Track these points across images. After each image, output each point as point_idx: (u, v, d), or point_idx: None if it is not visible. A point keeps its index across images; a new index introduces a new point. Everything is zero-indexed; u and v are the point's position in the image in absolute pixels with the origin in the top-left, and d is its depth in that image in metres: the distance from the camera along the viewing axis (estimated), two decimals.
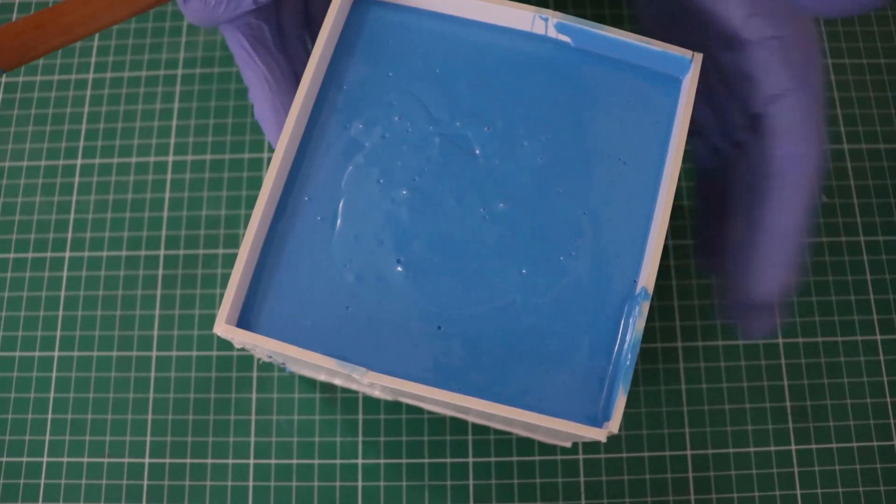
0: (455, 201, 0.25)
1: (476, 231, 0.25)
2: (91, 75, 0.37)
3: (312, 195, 0.25)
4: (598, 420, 0.24)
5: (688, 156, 0.35)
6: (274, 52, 0.28)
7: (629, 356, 0.23)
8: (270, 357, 0.27)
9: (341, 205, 0.25)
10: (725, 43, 0.26)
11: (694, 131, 0.30)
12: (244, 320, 0.24)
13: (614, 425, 0.23)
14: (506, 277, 0.25)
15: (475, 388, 0.24)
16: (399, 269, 0.24)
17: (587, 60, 0.27)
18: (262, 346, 0.23)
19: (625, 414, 0.32)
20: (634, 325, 0.24)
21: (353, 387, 0.31)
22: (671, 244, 0.34)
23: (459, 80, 0.26)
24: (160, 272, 0.34)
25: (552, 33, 0.27)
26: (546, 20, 0.26)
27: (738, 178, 0.28)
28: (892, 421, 0.32)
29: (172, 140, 0.36)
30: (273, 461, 0.32)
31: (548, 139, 0.26)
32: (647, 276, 0.24)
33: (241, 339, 0.23)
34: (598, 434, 0.22)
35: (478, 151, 0.26)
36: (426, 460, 0.32)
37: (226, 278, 0.34)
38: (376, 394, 0.31)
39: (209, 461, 0.32)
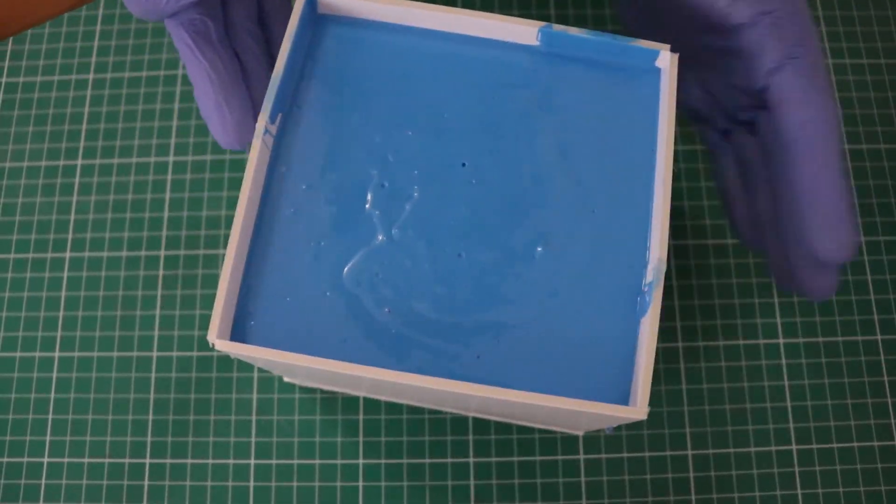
0: (448, 208, 0.25)
1: (471, 231, 0.25)
2: (91, 76, 0.37)
3: (296, 206, 0.25)
4: (626, 401, 0.23)
5: (690, 155, 0.35)
6: (218, 49, 0.27)
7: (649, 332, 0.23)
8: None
9: (324, 208, 0.25)
10: (714, 31, 0.27)
11: (700, 119, 0.31)
12: (239, 331, 0.24)
13: (643, 403, 0.22)
14: (511, 275, 0.24)
15: (500, 383, 0.23)
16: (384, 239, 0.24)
17: (563, 63, 0.26)
18: (259, 357, 0.23)
19: None
20: (651, 300, 0.24)
21: (353, 393, 0.31)
22: (671, 244, 0.34)
23: (436, 91, 0.26)
24: (160, 273, 0.34)
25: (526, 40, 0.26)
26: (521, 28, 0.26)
27: (754, 154, 0.28)
28: (892, 421, 0.32)
29: (173, 140, 0.36)
30: (274, 461, 0.32)
31: (536, 146, 0.26)
32: (659, 249, 0.24)
33: (238, 352, 0.23)
34: (637, 413, 0.22)
35: (465, 164, 0.25)
36: (427, 460, 0.32)
37: None
38: (383, 398, 0.32)
39: (210, 461, 0.32)
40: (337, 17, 0.27)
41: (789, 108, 0.26)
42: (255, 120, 0.25)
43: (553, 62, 0.26)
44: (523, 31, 0.26)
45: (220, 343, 0.23)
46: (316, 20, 0.27)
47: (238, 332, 0.24)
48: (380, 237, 0.25)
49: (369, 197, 0.25)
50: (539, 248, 0.25)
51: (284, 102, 0.25)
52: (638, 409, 0.22)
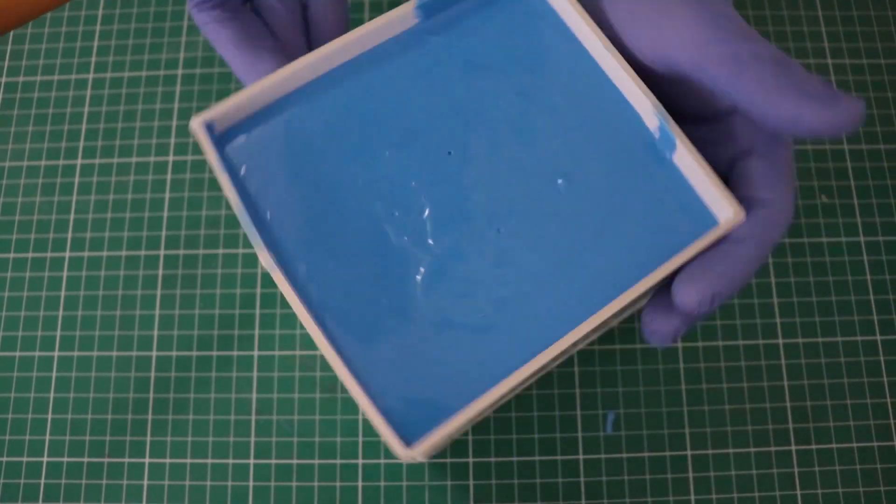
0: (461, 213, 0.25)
1: (492, 205, 0.25)
2: (91, 75, 0.37)
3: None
4: (714, 224, 0.24)
5: None
6: (239, 15, 0.28)
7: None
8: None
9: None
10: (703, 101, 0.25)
11: None
12: (412, 427, 0.23)
13: (733, 204, 0.23)
14: (542, 217, 0.24)
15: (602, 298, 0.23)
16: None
17: (459, 24, 0.26)
18: (453, 432, 0.22)
19: (624, 414, 0.32)
20: (672, 132, 0.24)
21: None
22: None
23: (372, 118, 0.25)
24: (160, 272, 0.34)
25: (413, 22, 0.26)
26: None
27: None
28: (891, 421, 0.32)
29: (172, 140, 0.36)
30: (273, 461, 0.32)
31: (499, 109, 0.25)
32: (646, 98, 0.24)
33: (435, 445, 0.22)
34: (738, 214, 0.23)
35: (451, 152, 0.25)
36: (426, 460, 0.32)
37: (226, 278, 0.34)
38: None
39: (209, 461, 0.32)
40: (242, 123, 0.25)
41: (752, 188, 0.24)
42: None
43: (449, 29, 0.26)
44: (402, 17, 0.25)
45: (418, 452, 0.22)
46: (227, 138, 0.25)
47: (412, 428, 0.23)
48: (422, 257, 0.24)
49: (389, 231, 0.24)
50: (560, 181, 0.25)
51: (263, 230, 0.24)
52: (734, 215, 0.23)
